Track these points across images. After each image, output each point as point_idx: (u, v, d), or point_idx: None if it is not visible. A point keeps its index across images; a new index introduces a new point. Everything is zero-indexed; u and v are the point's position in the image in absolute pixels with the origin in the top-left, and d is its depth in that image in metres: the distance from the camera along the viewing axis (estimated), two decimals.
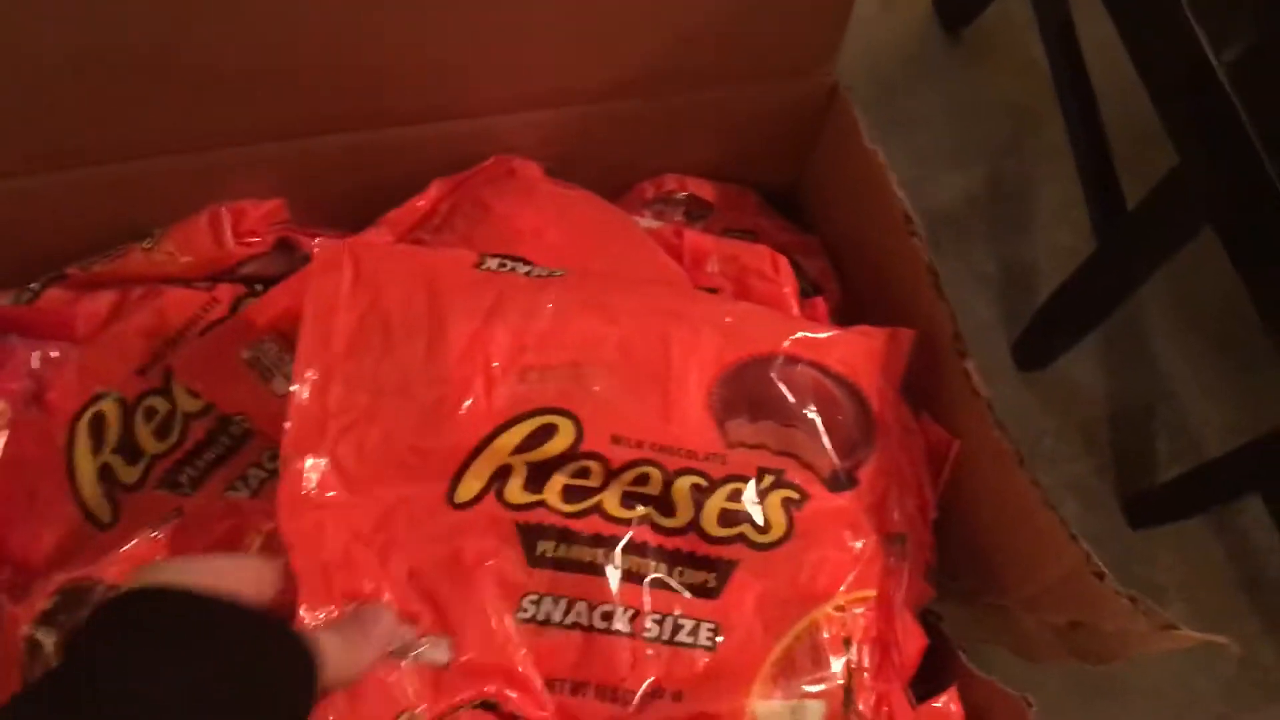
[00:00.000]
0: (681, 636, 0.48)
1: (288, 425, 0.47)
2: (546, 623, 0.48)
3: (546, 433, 0.50)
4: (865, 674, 0.50)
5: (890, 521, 0.55)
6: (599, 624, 0.48)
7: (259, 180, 0.57)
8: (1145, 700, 0.91)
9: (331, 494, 0.48)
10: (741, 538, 0.50)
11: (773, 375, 0.54)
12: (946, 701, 0.53)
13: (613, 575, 0.49)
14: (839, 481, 0.54)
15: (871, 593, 0.51)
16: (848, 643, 0.50)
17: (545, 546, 0.49)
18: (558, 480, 0.50)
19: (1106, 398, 1.03)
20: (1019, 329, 1.02)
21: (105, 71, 0.50)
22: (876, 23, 1.15)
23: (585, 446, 0.50)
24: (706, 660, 0.48)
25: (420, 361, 0.50)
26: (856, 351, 0.57)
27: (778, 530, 0.51)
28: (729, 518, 0.51)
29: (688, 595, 0.49)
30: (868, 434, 0.55)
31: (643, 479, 0.50)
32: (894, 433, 0.57)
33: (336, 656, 0.40)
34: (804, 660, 0.49)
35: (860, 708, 0.49)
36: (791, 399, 0.54)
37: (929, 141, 1.11)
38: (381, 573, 0.47)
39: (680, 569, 0.50)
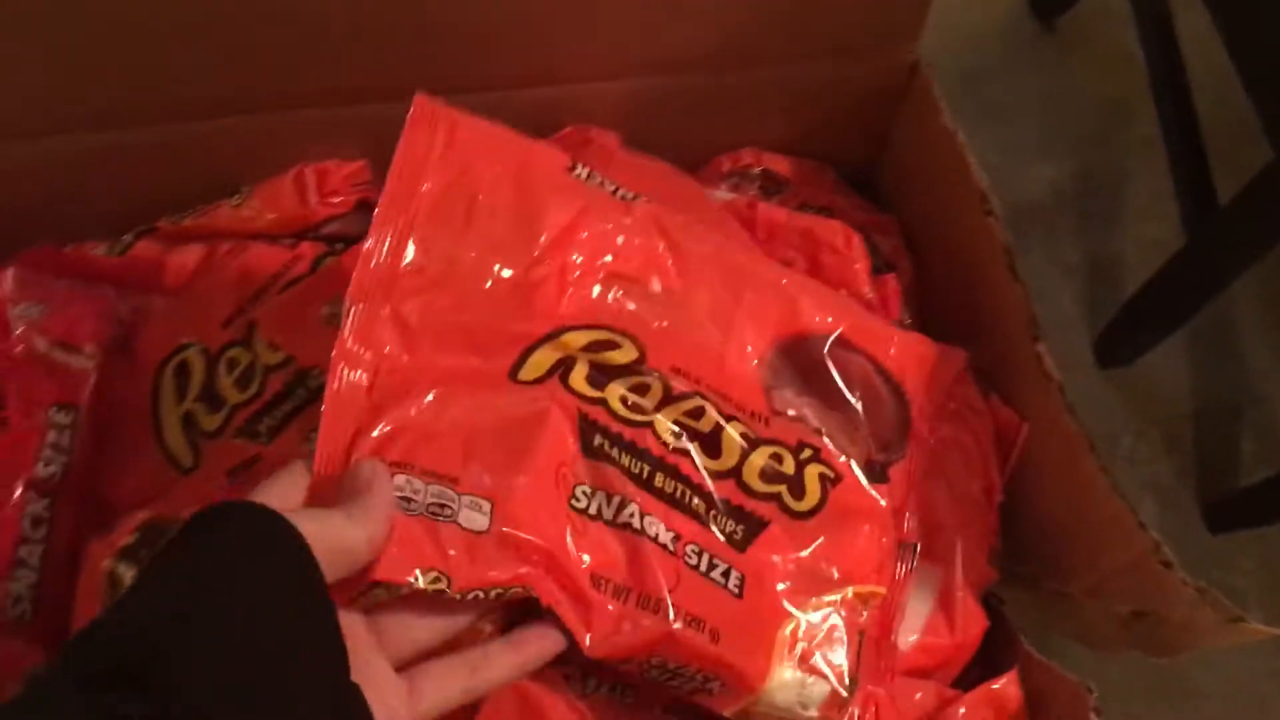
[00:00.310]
0: (715, 575, 0.47)
1: (355, 273, 0.46)
2: (597, 517, 0.46)
3: (611, 345, 0.50)
4: (862, 670, 0.49)
5: (907, 529, 0.54)
6: (648, 531, 0.46)
7: (344, 141, 0.58)
8: (1213, 705, 0.89)
9: (388, 349, 0.47)
10: (777, 498, 0.50)
11: (826, 355, 0.53)
12: (1005, 684, 0.53)
13: (659, 494, 0.48)
14: (873, 472, 0.53)
15: (882, 590, 0.50)
16: (861, 634, 0.49)
17: (602, 442, 0.48)
18: (617, 387, 0.49)
19: (1190, 397, 1.01)
20: (1103, 324, 1.01)
21: (205, 28, 0.52)
22: (968, 11, 1.13)
23: (649, 365, 0.50)
24: (736, 607, 0.47)
25: (502, 243, 0.49)
26: (910, 355, 0.56)
27: (812, 500, 0.50)
28: (770, 475, 0.50)
29: (720, 538, 0.48)
30: (903, 437, 0.55)
31: (697, 412, 0.50)
32: (923, 447, 0.56)
33: (334, 533, 0.38)
34: (820, 639, 0.48)
35: (855, 704, 0.48)
36: (840, 382, 0.53)
37: (1018, 132, 1.09)
38: (424, 428, 0.45)
39: (715, 512, 0.49)
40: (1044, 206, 1.06)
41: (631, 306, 0.51)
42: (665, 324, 0.51)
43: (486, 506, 0.45)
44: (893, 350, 0.55)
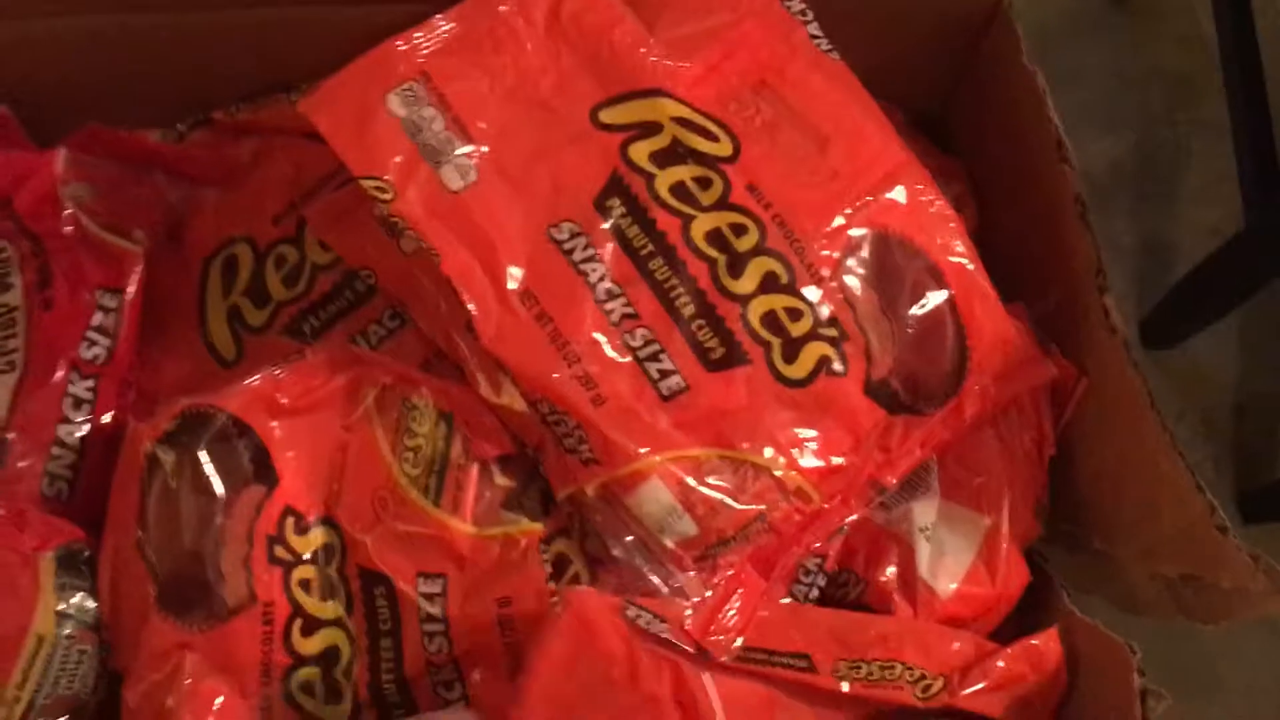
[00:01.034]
0: (650, 368, 0.48)
1: None
2: (566, 254, 0.49)
3: (706, 133, 0.51)
4: (748, 541, 0.49)
5: (887, 478, 0.53)
6: (598, 290, 0.49)
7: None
8: (1237, 699, 0.88)
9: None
10: (767, 347, 0.49)
11: (918, 278, 0.52)
12: (1045, 640, 0.52)
13: (647, 276, 0.49)
14: (880, 395, 0.51)
15: (816, 500, 0.49)
16: (762, 516, 0.48)
17: (615, 204, 0.50)
18: (679, 171, 0.51)
19: (1234, 386, 0.99)
20: (1151, 306, 0.99)
21: None
22: None
23: (724, 167, 0.51)
24: (644, 401, 0.48)
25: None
26: (997, 336, 0.54)
27: (800, 372, 0.49)
28: (772, 322, 0.49)
29: (690, 348, 0.49)
30: (938, 403, 0.53)
31: (740, 229, 0.50)
32: (956, 428, 0.54)
33: None
34: (719, 488, 0.47)
35: (719, 574, 0.49)
36: (914, 309, 0.52)
37: (1081, 102, 1.06)
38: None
39: (702, 323, 0.49)
40: (1101, 182, 1.04)
41: (761, 115, 0.52)
42: (781, 142, 0.52)
43: (471, 175, 0.49)
44: (985, 326, 0.53)
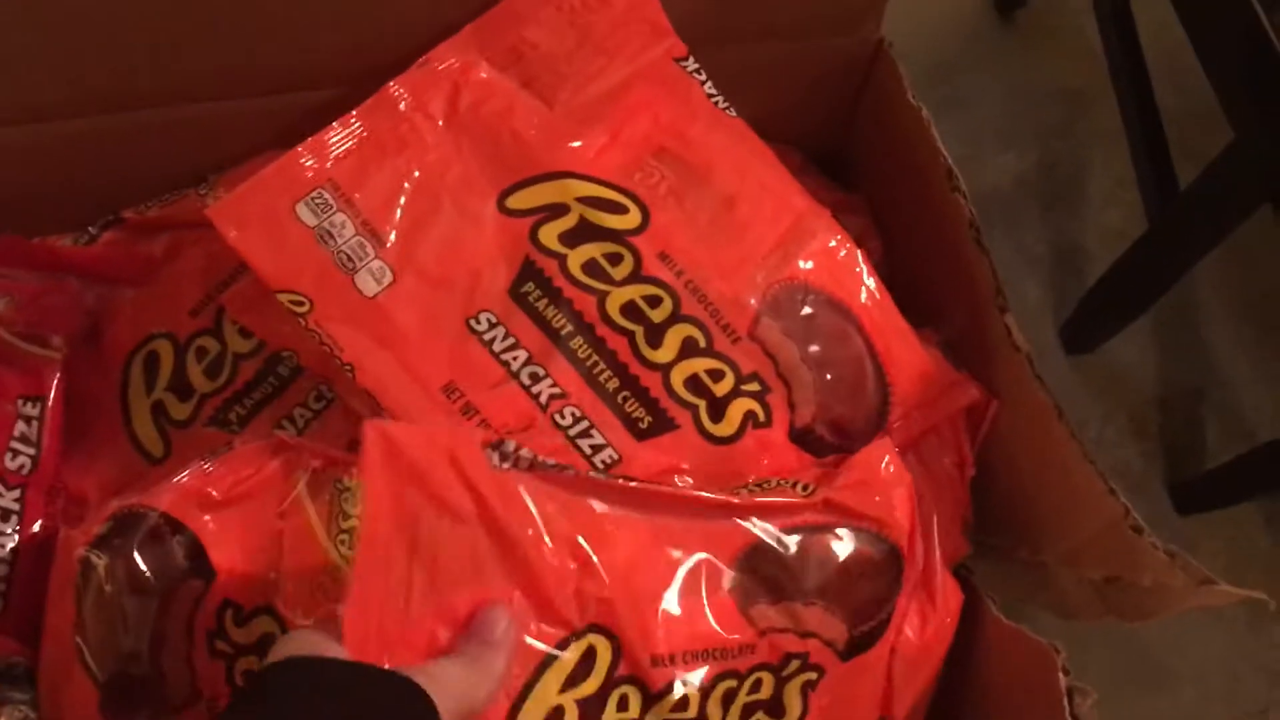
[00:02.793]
0: (582, 444, 0.50)
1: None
2: (485, 344, 0.50)
3: (615, 206, 0.53)
4: None
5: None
6: (521, 375, 0.50)
7: (315, 127, 0.58)
8: (1188, 688, 0.90)
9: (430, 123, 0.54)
10: (694, 410, 0.51)
11: (833, 320, 0.54)
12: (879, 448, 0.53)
13: (570, 356, 0.50)
14: (805, 439, 0.53)
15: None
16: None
17: (532, 290, 0.51)
18: (589, 249, 0.52)
19: (1156, 382, 1.02)
20: (1068, 312, 1.02)
21: (163, 12, 0.52)
22: (929, 3, 1.14)
23: (642, 238, 0.52)
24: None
25: (582, 69, 0.55)
26: (912, 366, 0.55)
27: (727, 430, 0.51)
28: (695, 386, 0.51)
29: (620, 420, 0.50)
30: (877, 425, 0.55)
31: (654, 300, 0.52)
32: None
33: (458, 686, 0.39)
34: None
35: None
36: (828, 346, 0.53)
37: (980, 122, 1.10)
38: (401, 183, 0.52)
39: (627, 395, 0.50)
40: (1007, 196, 1.08)
41: (666, 181, 0.53)
42: (687, 206, 0.53)
43: (387, 278, 0.49)
44: (902, 359, 0.55)
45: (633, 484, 0.48)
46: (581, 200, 0.52)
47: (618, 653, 0.46)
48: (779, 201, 0.55)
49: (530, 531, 0.45)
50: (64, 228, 0.60)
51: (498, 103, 0.54)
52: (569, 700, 0.46)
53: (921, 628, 0.55)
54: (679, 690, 0.47)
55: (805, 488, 0.50)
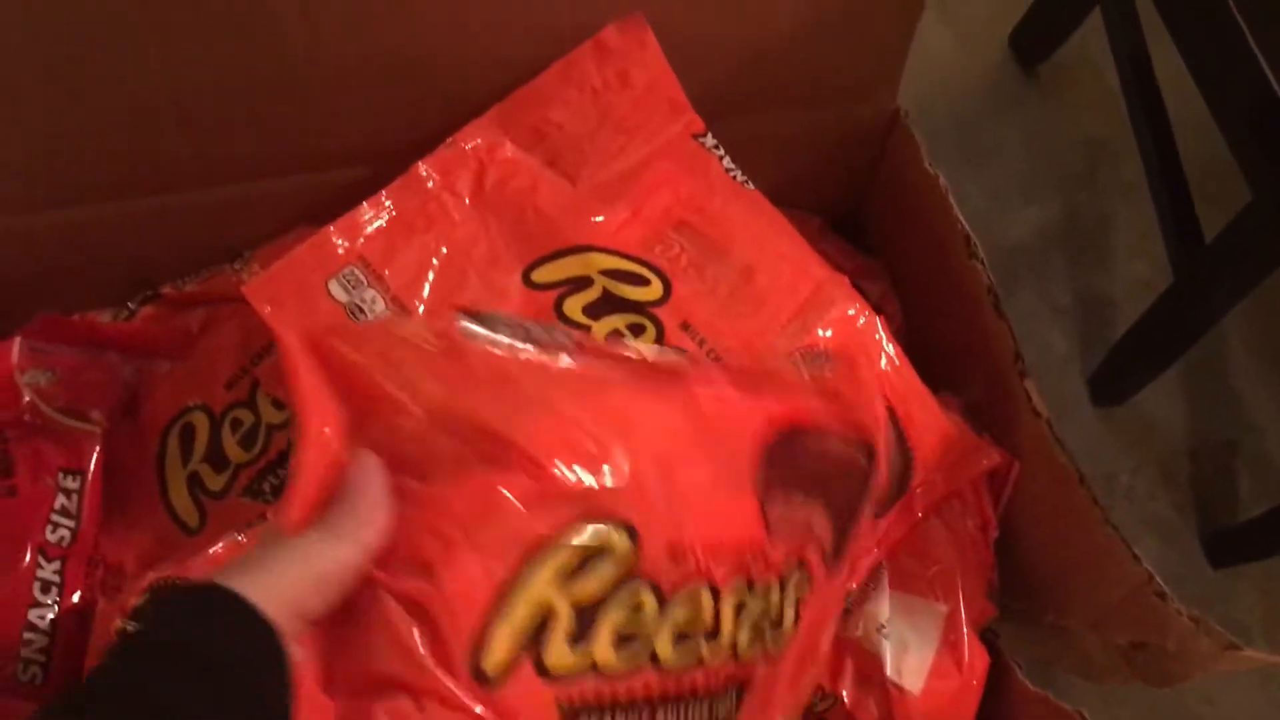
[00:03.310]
0: None
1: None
2: None
3: (634, 278, 0.54)
4: None
5: (850, 578, 0.53)
6: None
7: (345, 203, 0.60)
8: None
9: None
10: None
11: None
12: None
13: None
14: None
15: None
16: None
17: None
18: (613, 321, 0.52)
19: (1186, 434, 1.01)
20: (1096, 363, 1.02)
21: (201, 100, 0.54)
22: (952, 58, 1.16)
23: (655, 310, 0.53)
24: None
25: (606, 147, 0.56)
26: (936, 426, 0.55)
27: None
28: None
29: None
30: (899, 490, 0.54)
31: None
32: (920, 519, 0.56)
33: (296, 565, 0.32)
34: None
35: None
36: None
37: (1005, 176, 1.11)
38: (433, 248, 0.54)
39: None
40: (1032, 248, 1.08)
41: (686, 254, 0.55)
42: (707, 278, 0.54)
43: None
44: (923, 424, 0.55)
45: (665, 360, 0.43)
46: (604, 273, 0.53)
47: (631, 548, 0.38)
48: (798, 271, 0.56)
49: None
50: (103, 303, 0.62)
51: (522, 180, 0.55)
52: (563, 598, 0.36)
53: (946, 689, 0.55)
54: (695, 596, 0.40)
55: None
